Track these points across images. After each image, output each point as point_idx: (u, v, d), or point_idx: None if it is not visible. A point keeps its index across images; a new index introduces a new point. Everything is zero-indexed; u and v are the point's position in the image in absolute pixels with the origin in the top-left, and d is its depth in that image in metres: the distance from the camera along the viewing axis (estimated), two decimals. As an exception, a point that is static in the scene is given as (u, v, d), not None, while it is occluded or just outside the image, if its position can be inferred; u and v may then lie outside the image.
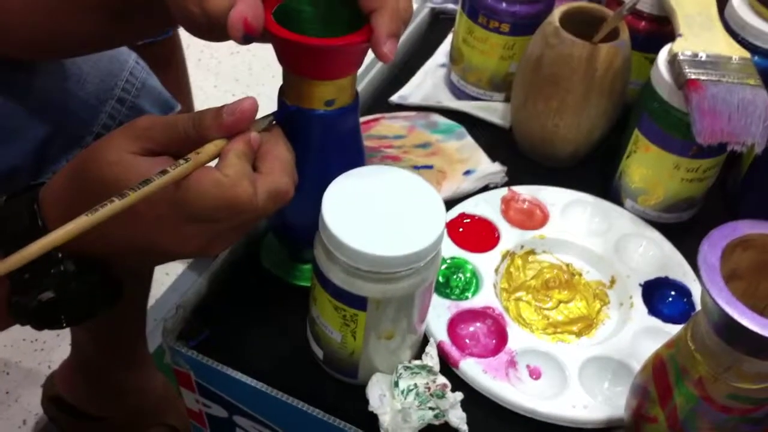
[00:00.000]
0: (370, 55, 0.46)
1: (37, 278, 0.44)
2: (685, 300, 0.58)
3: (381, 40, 0.44)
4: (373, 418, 0.49)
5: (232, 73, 1.60)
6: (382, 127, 0.71)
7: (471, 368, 0.53)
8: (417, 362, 0.51)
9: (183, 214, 0.41)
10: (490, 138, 0.70)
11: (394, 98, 0.74)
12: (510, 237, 0.61)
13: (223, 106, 0.43)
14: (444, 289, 0.57)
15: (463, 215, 0.62)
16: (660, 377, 0.45)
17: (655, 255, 0.61)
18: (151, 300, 0.95)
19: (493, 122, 0.72)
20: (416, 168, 0.66)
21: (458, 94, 0.75)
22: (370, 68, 0.74)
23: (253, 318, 0.56)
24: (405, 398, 0.49)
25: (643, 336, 0.55)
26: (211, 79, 1.58)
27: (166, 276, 1.22)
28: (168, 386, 0.97)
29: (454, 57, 0.74)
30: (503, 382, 0.52)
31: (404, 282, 0.46)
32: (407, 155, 0.68)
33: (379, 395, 0.50)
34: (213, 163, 0.43)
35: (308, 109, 0.48)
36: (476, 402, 0.52)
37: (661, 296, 0.58)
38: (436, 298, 0.56)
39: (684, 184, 0.61)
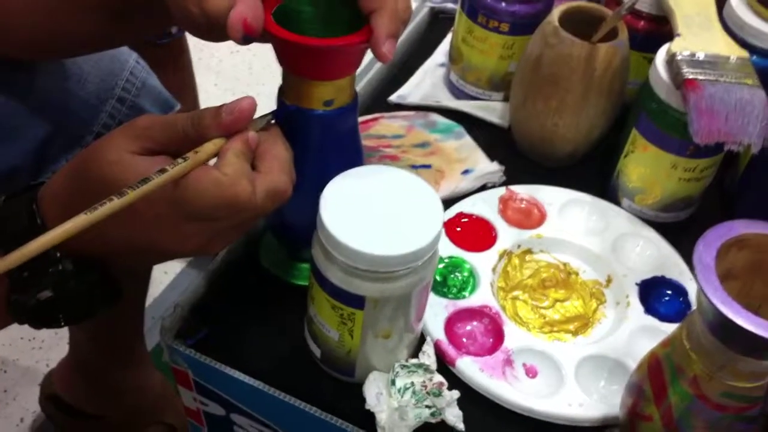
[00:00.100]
0: (369, 55, 0.46)
1: (35, 277, 0.44)
2: (681, 299, 0.58)
3: (380, 40, 0.44)
4: (371, 417, 0.49)
5: (232, 72, 1.60)
6: (380, 127, 0.71)
7: (468, 367, 0.53)
8: (414, 361, 0.51)
9: (182, 212, 0.42)
10: (489, 137, 0.71)
11: (393, 98, 0.74)
12: (507, 236, 0.61)
13: (221, 106, 0.43)
14: (441, 288, 0.58)
15: (460, 214, 0.62)
16: (655, 376, 0.45)
17: (652, 254, 0.61)
18: (149, 299, 0.95)
19: (492, 122, 0.72)
20: (415, 167, 0.66)
21: (457, 93, 0.75)
22: (369, 68, 0.74)
23: (251, 317, 0.56)
24: (402, 396, 0.49)
25: (639, 335, 0.55)
26: (211, 78, 1.58)
27: (165, 275, 1.22)
28: (166, 385, 0.97)
29: (454, 56, 0.75)
30: (500, 380, 0.52)
31: (402, 281, 0.46)
32: (406, 155, 0.68)
33: (376, 393, 0.50)
34: (212, 162, 0.43)
35: (307, 109, 0.48)
36: (473, 400, 0.52)
37: (657, 295, 0.58)
38: (433, 297, 0.56)
39: (681, 184, 0.61)
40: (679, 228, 0.64)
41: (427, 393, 0.49)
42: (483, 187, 0.66)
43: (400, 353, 0.51)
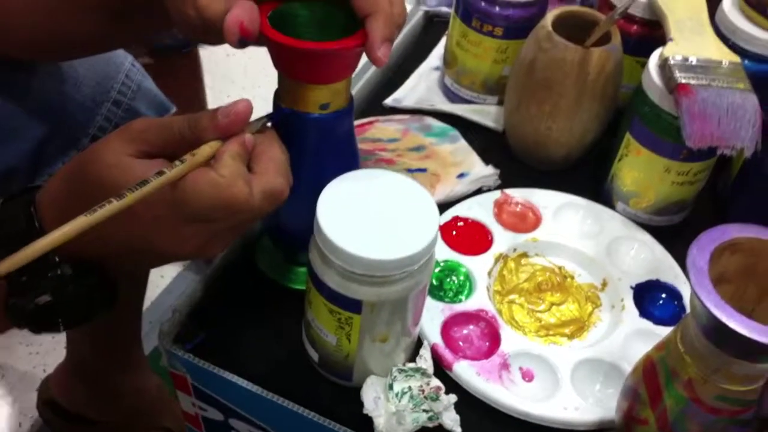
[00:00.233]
0: (363, 58, 0.46)
1: (34, 281, 0.44)
2: (675, 302, 0.59)
3: (375, 44, 0.44)
4: (368, 421, 0.49)
5: (228, 75, 1.60)
6: (376, 130, 0.71)
7: (464, 371, 0.53)
8: (411, 365, 0.51)
9: (180, 214, 0.42)
10: (484, 141, 0.71)
11: (389, 101, 0.74)
12: (503, 240, 0.62)
13: (218, 108, 0.43)
14: (438, 291, 0.58)
15: (456, 218, 0.63)
16: (650, 379, 0.46)
17: (647, 258, 0.62)
18: (146, 302, 0.95)
19: (487, 125, 0.73)
20: (410, 171, 0.67)
21: (452, 97, 0.76)
22: (364, 71, 0.74)
23: (249, 321, 0.56)
24: (399, 401, 0.49)
25: (634, 338, 0.56)
26: (206, 80, 1.58)
27: (161, 278, 1.22)
28: (163, 389, 0.97)
29: (448, 60, 0.75)
30: (496, 384, 0.53)
31: (398, 285, 0.46)
32: (401, 158, 0.68)
33: (374, 398, 0.50)
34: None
35: (303, 113, 0.48)
36: (470, 404, 0.52)
37: (652, 299, 0.59)
38: (429, 301, 0.56)
39: (675, 187, 0.62)
40: (673, 231, 0.64)
41: (425, 397, 0.49)
42: (478, 191, 0.66)
43: (398, 357, 0.51)
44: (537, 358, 0.54)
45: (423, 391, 0.50)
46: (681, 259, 0.61)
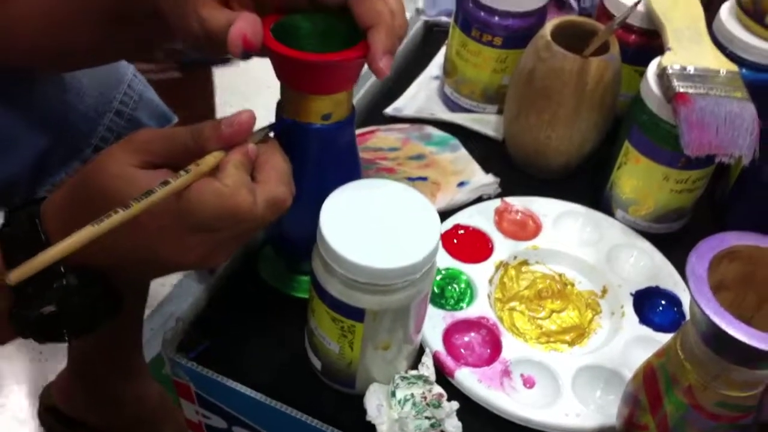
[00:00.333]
0: (364, 68, 0.47)
1: (40, 291, 0.44)
2: (675, 309, 0.59)
3: (377, 56, 0.44)
4: (371, 428, 0.50)
5: (230, 85, 1.61)
6: (377, 140, 0.71)
7: (466, 378, 0.53)
8: (413, 372, 0.51)
9: (185, 224, 0.42)
10: (484, 150, 0.71)
11: (389, 110, 0.75)
12: (503, 248, 0.62)
13: (221, 119, 0.44)
14: (439, 299, 0.58)
15: (457, 226, 0.63)
16: (650, 386, 0.46)
17: (646, 265, 0.62)
18: (147, 310, 0.95)
19: (487, 134, 0.73)
20: (411, 180, 0.67)
21: (452, 106, 0.76)
22: (364, 81, 0.75)
23: (252, 329, 0.56)
24: (402, 408, 0.50)
25: (634, 345, 0.56)
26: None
27: (162, 287, 1.22)
28: (164, 396, 0.97)
29: (448, 69, 0.75)
30: (498, 391, 0.53)
31: (400, 293, 0.47)
32: (402, 167, 0.69)
33: (377, 405, 0.50)
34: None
35: (305, 123, 0.48)
36: (472, 411, 0.53)
37: (651, 305, 0.59)
38: (431, 309, 0.56)
39: (673, 195, 0.62)
40: (672, 239, 0.65)
41: (427, 404, 0.50)
42: (478, 199, 0.66)
43: (400, 365, 0.52)
44: (538, 365, 0.55)
45: (425, 398, 0.50)
46: (680, 266, 0.61)
